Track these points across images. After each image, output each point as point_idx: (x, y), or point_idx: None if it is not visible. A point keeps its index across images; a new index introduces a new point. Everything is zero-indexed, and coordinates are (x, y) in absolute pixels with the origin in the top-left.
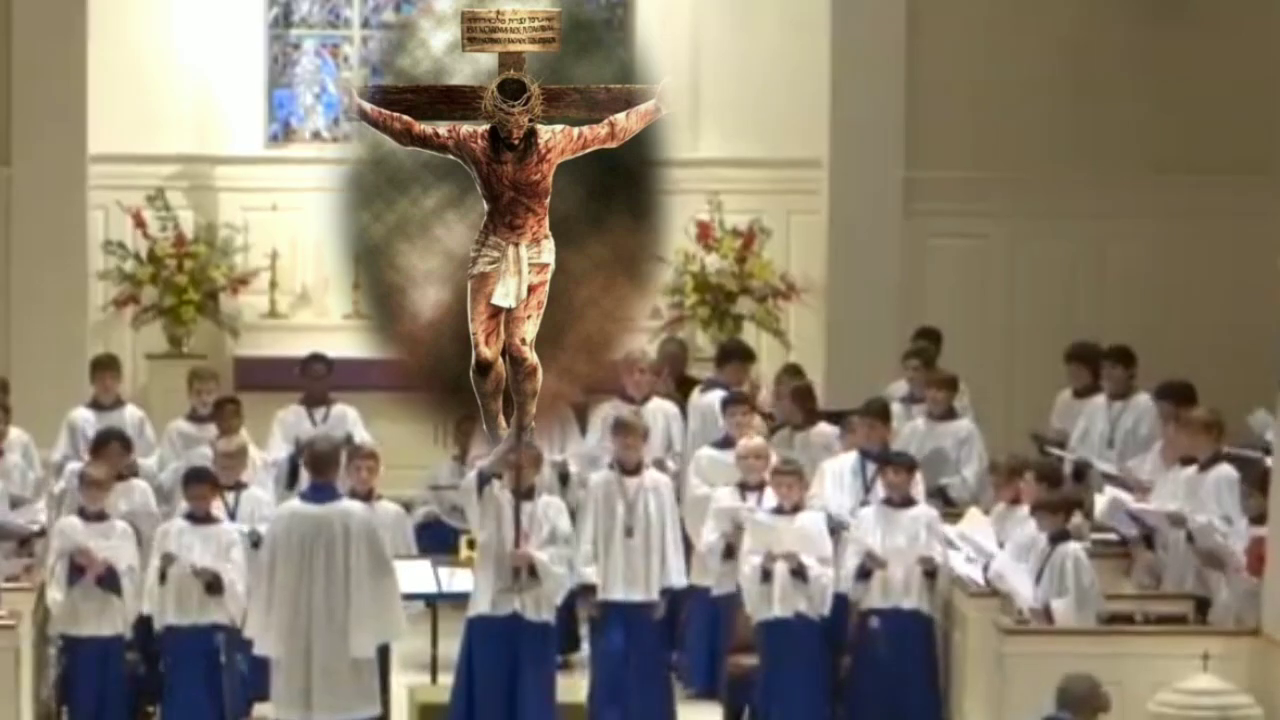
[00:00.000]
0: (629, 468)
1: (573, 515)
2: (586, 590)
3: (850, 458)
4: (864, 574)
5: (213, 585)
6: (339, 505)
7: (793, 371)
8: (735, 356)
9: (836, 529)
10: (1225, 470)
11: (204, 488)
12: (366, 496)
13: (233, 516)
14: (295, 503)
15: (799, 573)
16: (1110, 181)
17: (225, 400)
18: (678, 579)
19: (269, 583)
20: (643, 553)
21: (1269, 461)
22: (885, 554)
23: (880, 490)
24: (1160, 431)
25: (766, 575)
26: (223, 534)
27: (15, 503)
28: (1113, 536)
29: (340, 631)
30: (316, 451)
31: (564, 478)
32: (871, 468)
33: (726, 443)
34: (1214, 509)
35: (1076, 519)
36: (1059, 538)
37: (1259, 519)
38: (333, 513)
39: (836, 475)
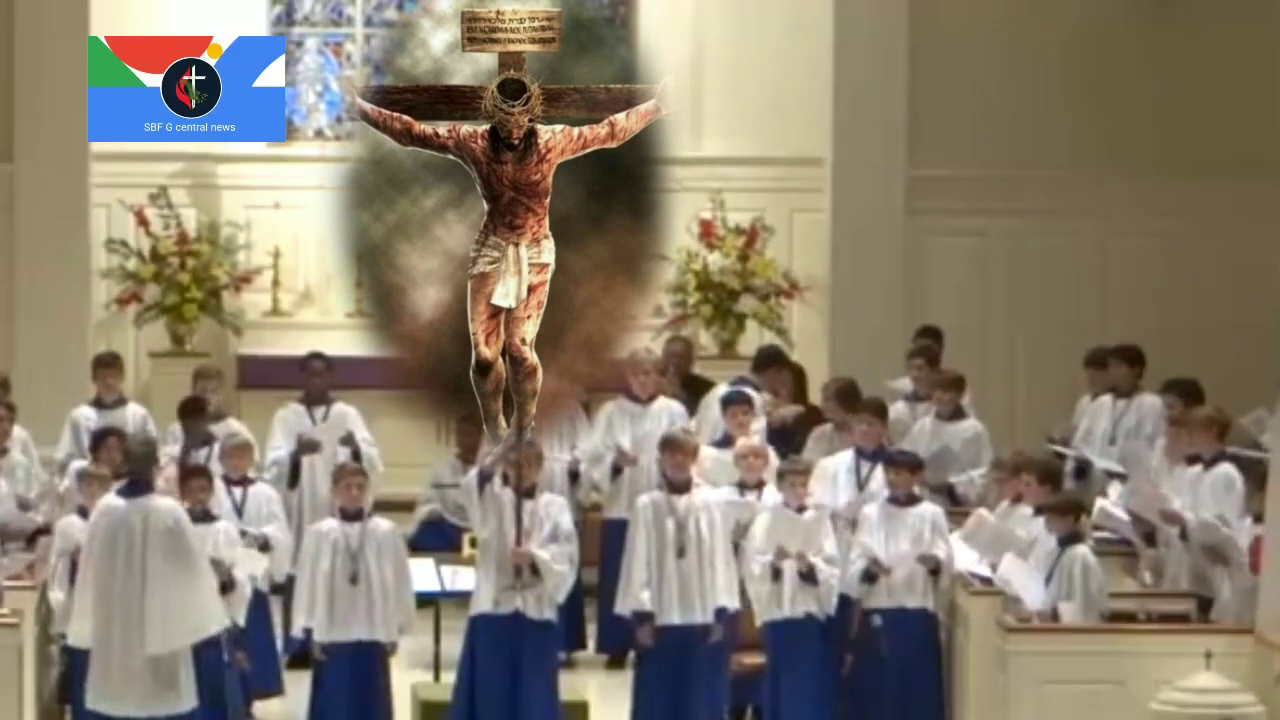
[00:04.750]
0: (678, 486)
1: (580, 513)
2: (643, 617)
3: (846, 456)
4: (869, 578)
5: (225, 585)
6: (145, 501)
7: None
8: (774, 362)
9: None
10: (1226, 469)
11: (200, 482)
12: (357, 515)
13: (239, 513)
14: (110, 498)
15: (807, 575)
16: (1113, 180)
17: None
18: (728, 600)
19: (84, 577)
20: (695, 573)
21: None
22: (889, 553)
23: (881, 489)
24: (1163, 430)
25: (777, 574)
26: (209, 533)
27: (21, 503)
28: (1115, 534)
29: (137, 628)
30: (127, 449)
31: (574, 476)
32: (866, 466)
33: (726, 442)
34: (1212, 508)
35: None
36: (1068, 540)
37: (1261, 518)
38: (134, 508)
39: (831, 474)
